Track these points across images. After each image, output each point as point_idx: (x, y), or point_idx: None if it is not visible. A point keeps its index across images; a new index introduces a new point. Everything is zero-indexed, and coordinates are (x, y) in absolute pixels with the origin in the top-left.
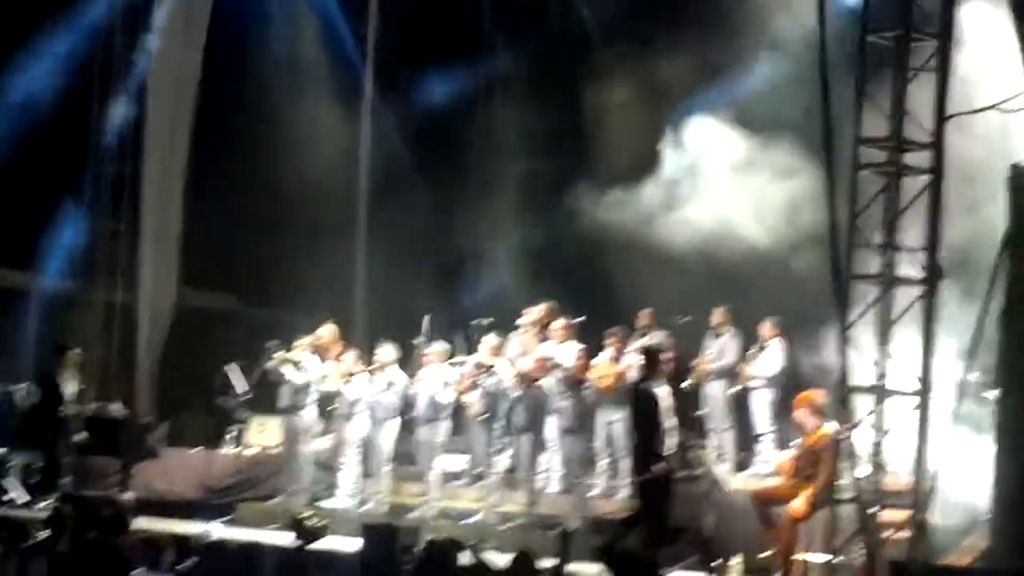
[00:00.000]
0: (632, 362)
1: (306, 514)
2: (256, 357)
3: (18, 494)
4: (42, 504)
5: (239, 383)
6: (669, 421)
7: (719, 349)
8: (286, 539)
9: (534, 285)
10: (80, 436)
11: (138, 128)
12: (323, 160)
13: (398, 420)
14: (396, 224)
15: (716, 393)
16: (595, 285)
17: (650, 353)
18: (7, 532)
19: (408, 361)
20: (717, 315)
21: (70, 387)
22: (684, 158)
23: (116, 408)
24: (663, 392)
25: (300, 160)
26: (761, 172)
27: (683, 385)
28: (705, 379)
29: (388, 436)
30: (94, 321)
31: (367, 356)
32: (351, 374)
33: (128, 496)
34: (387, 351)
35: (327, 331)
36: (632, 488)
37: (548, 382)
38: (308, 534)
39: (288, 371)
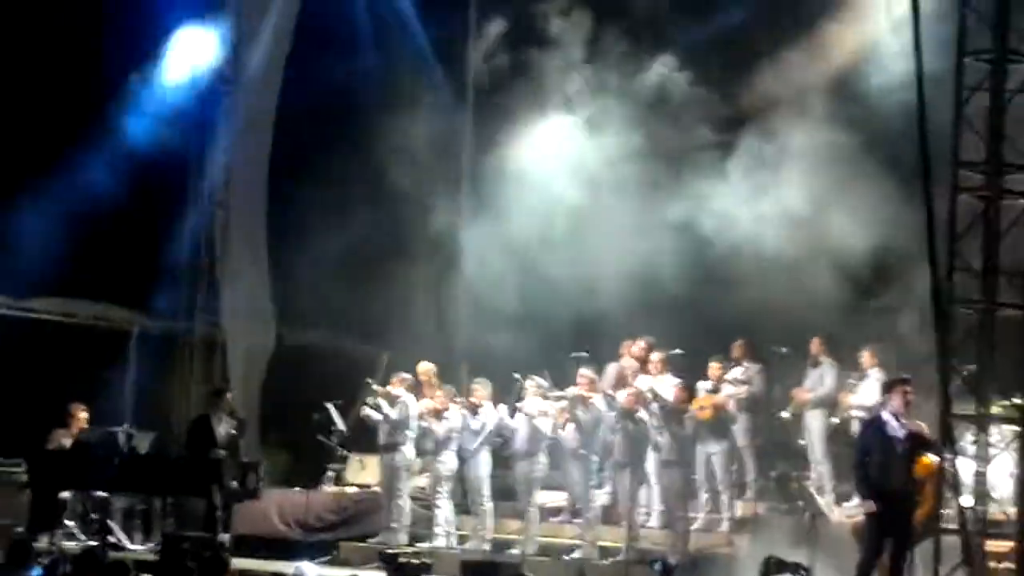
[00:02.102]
0: (731, 392)
1: (402, 551)
2: (355, 395)
3: (121, 536)
4: (144, 547)
5: (338, 421)
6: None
7: (817, 378)
8: None
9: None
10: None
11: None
12: (420, 192)
13: (489, 455)
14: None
15: (815, 424)
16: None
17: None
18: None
19: (503, 397)
20: (814, 345)
21: (222, 429)
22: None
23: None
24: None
25: (395, 195)
26: (851, 197)
27: (783, 414)
28: (804, 409)
29: (483, 472)
30: (195, 360)
31: (463, 393)
32: (445, 410)
33: (224, 537)
34: (481, 387)
35: (423, 368)
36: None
37: (646, 415)
38: (404, 571)
39: (384, 406)
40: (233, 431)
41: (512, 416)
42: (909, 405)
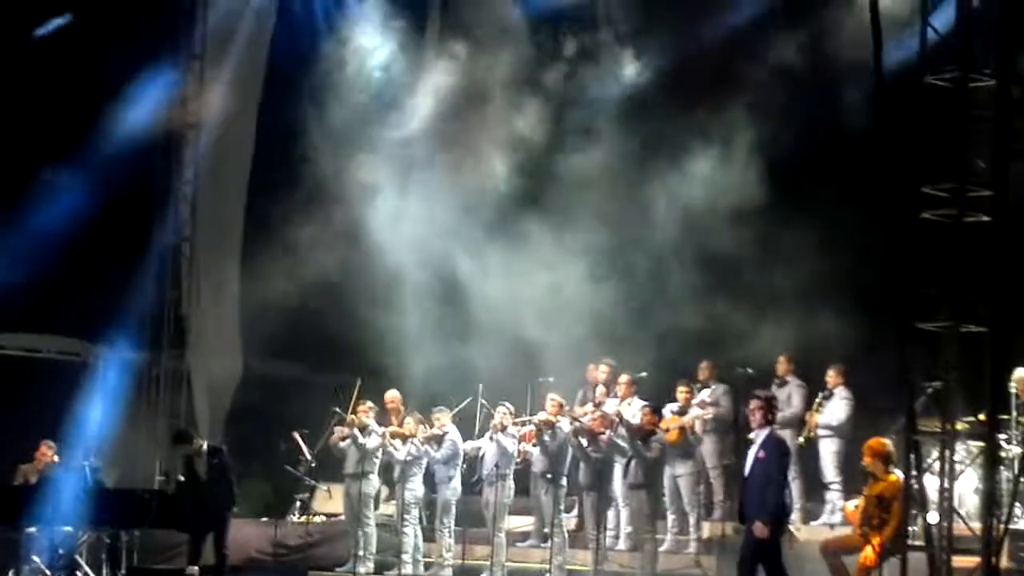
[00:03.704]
0: (698, 414)
1: None
2: (321, 424)
3: (88, 571)
4: None
5: (305, 450)
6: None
7: (784, 398)
8: None
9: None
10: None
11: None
12: (382, 224)
13: (458, 482)
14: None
15: None
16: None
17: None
18: None
19: (469, 423)
20: (781, 364)
21: (201, 467)
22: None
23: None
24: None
25: (359, 225)
26: (819, 216)
27: (749, 436)
28: None
29: (451, 498)
30: (161, 393)
31: (427, 420)
32: (411, 437)
33: (193, 570)
34: (442, 415)
35: (391, 396)
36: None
37: (612, 438)
38: None
39: (359, 435)
40: (215, 460)
41: (479, 441)
42: (753, 416)
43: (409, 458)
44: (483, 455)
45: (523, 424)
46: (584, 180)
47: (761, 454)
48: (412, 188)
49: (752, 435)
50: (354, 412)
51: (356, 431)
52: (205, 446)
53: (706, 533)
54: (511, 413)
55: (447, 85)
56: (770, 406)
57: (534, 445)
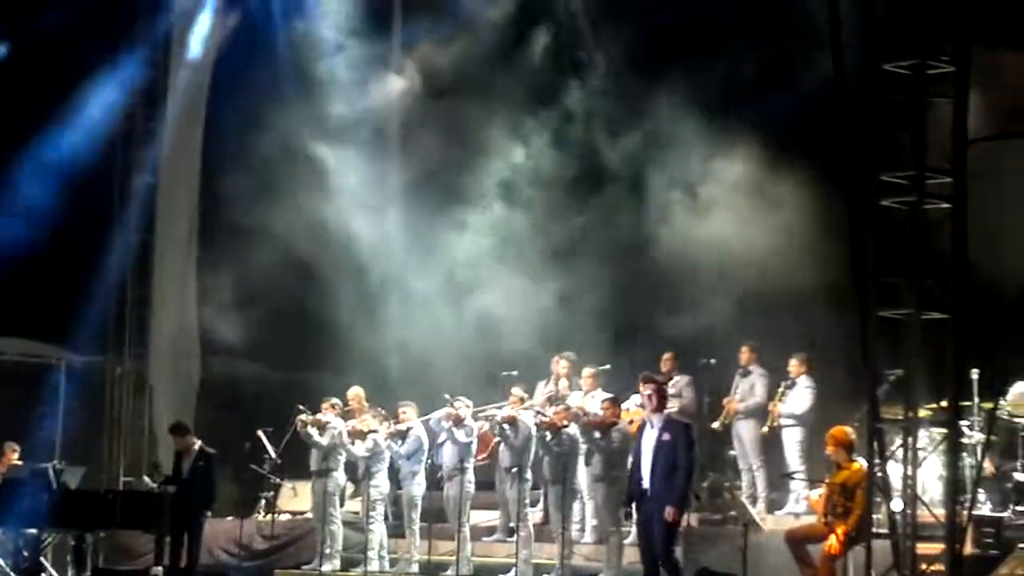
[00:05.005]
0: None
1: None
2: (286, 422)
3: (53, 573)
4: None
5: (270, 448)
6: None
7: (748, 388)
8: None
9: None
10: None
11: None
12: (346, 217)
13: (423, 477)
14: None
15: (746, 432)
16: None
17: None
18: None
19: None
20: (744, 353)
21: (186, 464)
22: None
23: (147, 481)
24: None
25: (318, 218)
26: (779, 206)
27: (713, 425)
28: (734, 418)
29: (416, 493)
30: (124, 394)
31: (391, 416)
32: (371, 432)
33: (157, 570)
34: (408, 409)
35: (353, 393)
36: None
37: (576, 431)
38: None
39: (315, 433)
40: (201, 463)
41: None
42: (649, 401)
43: (367, 455)
44: (442, 448)
45: (486, 418)
46: (551, 174)
47: (666, 436)
48: (374, 179)
49: (643, 419)
50: (318, 411)
51: (311, 429)
52: (197, 445)
53: None
54: (469, 406)
55: (408, 77)
56: (663, 391)
57: (497, 443)
